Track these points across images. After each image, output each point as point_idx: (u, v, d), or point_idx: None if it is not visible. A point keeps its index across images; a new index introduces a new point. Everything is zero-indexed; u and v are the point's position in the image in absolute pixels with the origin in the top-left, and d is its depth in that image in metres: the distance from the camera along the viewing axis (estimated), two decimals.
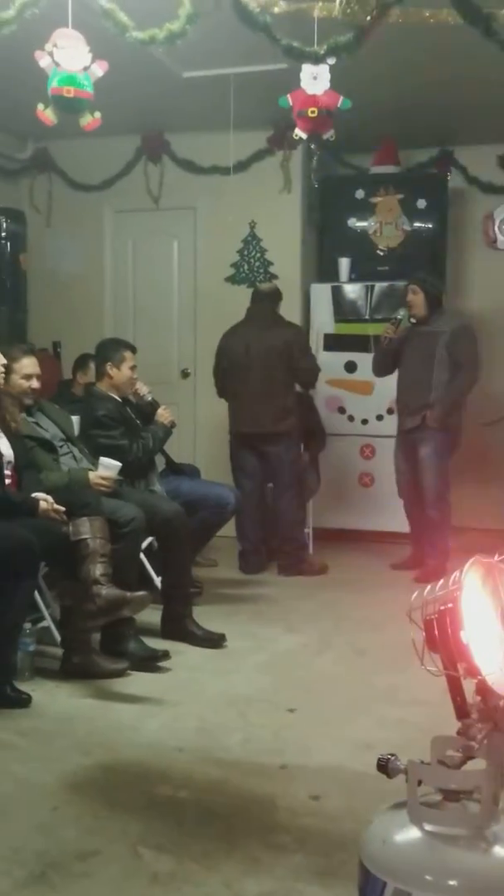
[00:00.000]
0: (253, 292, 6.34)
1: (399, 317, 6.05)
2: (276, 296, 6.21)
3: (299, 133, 4.16)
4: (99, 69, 3.68)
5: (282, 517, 6.15)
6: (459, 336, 5.98)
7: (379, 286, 7.00)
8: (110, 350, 5.19)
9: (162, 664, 4.27)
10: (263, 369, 5.99)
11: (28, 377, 4.52)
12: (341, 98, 3.90)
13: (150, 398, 5.35)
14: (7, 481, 4.12)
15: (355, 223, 7.23)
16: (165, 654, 4.30)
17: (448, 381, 5.92)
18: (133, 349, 5.21)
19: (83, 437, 4.98)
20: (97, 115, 3.78)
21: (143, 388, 5.34)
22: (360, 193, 7.18)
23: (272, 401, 6.01)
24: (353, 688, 4.10)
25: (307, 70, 3.95)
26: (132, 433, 5.06)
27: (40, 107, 3.86)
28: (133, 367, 5.16)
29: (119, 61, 3.96)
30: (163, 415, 5.27)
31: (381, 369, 6.33)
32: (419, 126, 6.87)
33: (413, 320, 6.02)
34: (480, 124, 6.76)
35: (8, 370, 4.32)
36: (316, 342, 6.97)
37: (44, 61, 3.77)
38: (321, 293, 7.14)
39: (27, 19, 3.73)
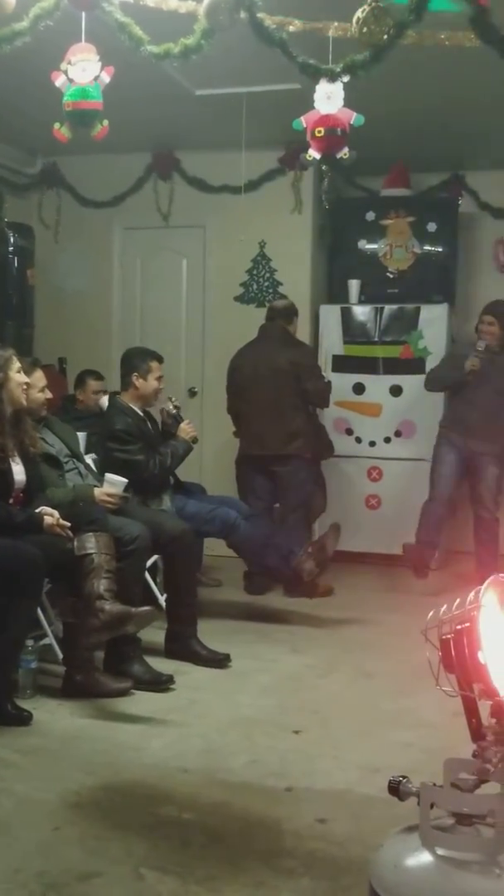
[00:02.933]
0: (268, 309, 6.33)
1: (481, 348, 5.94)
2: (289, 312, 6.20)
3: (313, 154, 4.12)
4: (106, 76, 3.69)
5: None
6: None
7: (388, 308, 6.98)
8: (136, 360, 5.12)
9: None
10: (271, 390, 5.95)
11: (42, 389, 4.50)
12: (354, 115, 3.87)
13: (174, 412, 5.30)
14: (11, 500, 4.07)
15: (365, 245, 7.23)
16: (170, 679, 4.25)
17: None
18: (160, 359, 5.13)
19: (101, 449, 4.91)
20: (105, 122, 3.77)
21: (169, 404, 5.29)
22: (370, 215, 7.18)
23: (280, 423, 5.96)
24: (360, 711, 4.04)
25: (321, 89, 3.94)
26: (150, 449, 4.99)
27: (56, 125, 3.87)
28: (160, 378, 5.10)
29: (132, 78, 3.97)
30: (185, 430, 5.21)
31: (440, 388, 6.30)
32: (431, 150, 6.88)
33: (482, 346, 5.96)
34: (493, 149, 6.78)
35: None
36: (324, 364, 6.94)
37: (59, 80, 3.79)
38: (330, 315, 7.13)
39: (41, 32, 3.73)
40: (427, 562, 6.13)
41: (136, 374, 5.06)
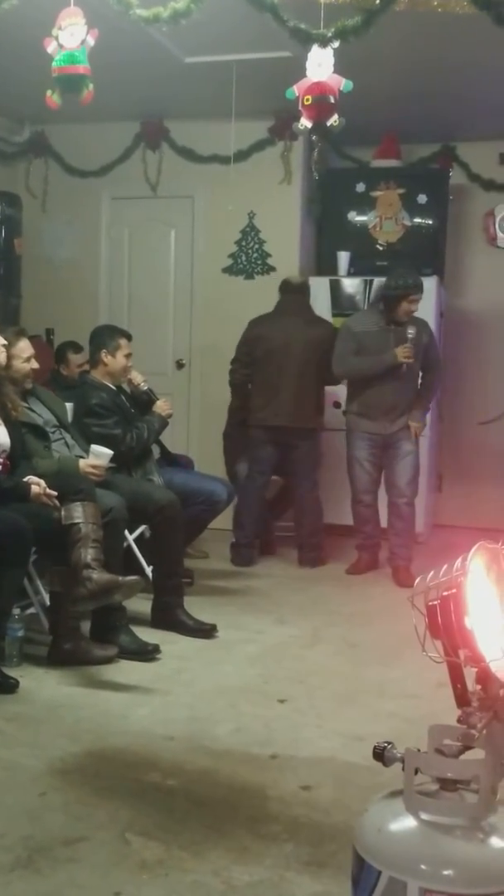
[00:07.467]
0: (282, 283, 6.24)
1: (412, 334, 5.69)
2: (308, 289, 6.25)
3: (304, 123, 4.08)
4: (91, 38, 3.66)
5: (308, 511, 6.15)
6: (431, 337, 5.92)
7: (378, 281, 6.89)
8: (105, 337, 5.14)
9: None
10: (301, 364, 5.98)
11: (28, 359, 4.46)
12: (343, 80, 3.83)
13: (145, 387, 5.29)
14: None
15: (355, 217, 7.18)
16: (156, 649, 4.25)
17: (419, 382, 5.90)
18: (128, 337, 5.16)
19: (77, 426, 4.93)
20: (90, 86, 3.74)
21: (137, 377, 5.28)
22: (360, 187, 7.12)
23: (306, 396, 6.01)
24: (345, 680, 4.06)
25: (313, 57, 3.90)
26: (126, 422, 5.00)
27: (48, 92, 3.84)
28: (128, 356, 5.11)
29: (121, 45, 3.91)
30: (161, 406, 5.22)
31: (360, 377, 5.93)
32: (422, 121, 6.83)
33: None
34: (483, 121, 6.74)
35: (8, 355, 4.26)
36: None
37: (51, 47, 3.77)
38: (319, 287, 7.06)
39: None
40: (377, 560, 6.08)
41: (104, 350, 5.07)
